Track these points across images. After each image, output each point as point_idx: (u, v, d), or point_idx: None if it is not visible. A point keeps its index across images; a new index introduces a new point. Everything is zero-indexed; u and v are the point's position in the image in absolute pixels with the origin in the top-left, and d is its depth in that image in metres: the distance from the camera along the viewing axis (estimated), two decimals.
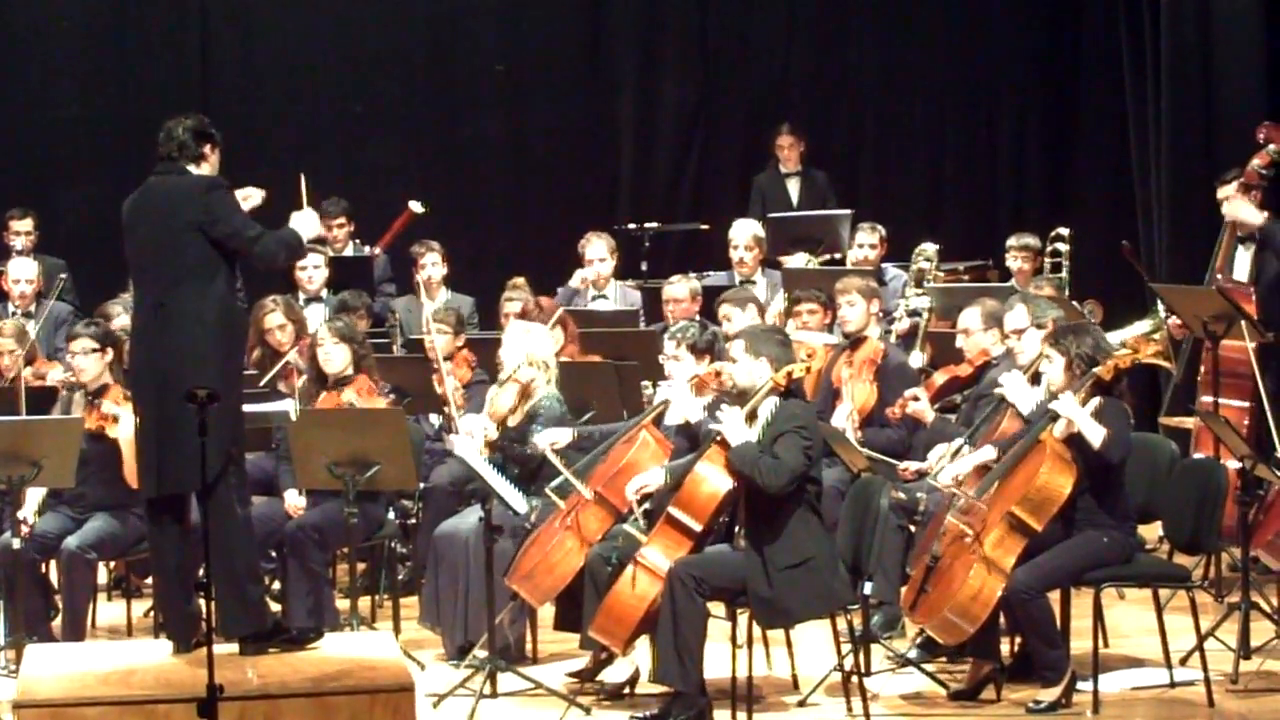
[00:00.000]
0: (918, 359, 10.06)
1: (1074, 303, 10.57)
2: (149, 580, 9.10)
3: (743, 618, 7.66)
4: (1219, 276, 10.07)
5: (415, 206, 12.39)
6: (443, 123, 14.12)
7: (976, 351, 9.13)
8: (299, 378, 9.66)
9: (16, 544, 8.58)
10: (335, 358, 9.15)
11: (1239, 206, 9.92)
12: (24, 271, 11.52)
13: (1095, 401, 7.79)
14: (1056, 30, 14.15)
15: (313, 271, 11.18)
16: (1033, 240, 11.41)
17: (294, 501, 9.13)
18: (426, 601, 8.84)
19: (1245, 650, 8.17)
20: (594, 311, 11.14)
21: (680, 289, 10.80)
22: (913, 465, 8.93)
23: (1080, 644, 8.03)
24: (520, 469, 8.61)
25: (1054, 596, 7.92)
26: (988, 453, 8.07)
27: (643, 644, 7.92)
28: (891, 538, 8.45)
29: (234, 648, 7.38)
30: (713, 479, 7.70)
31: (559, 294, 11.55)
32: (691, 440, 8.17)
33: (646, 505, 8.04)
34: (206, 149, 7.48)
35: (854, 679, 7.77)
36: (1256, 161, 10.09)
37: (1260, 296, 9.92)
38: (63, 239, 12.58)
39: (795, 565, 7.57)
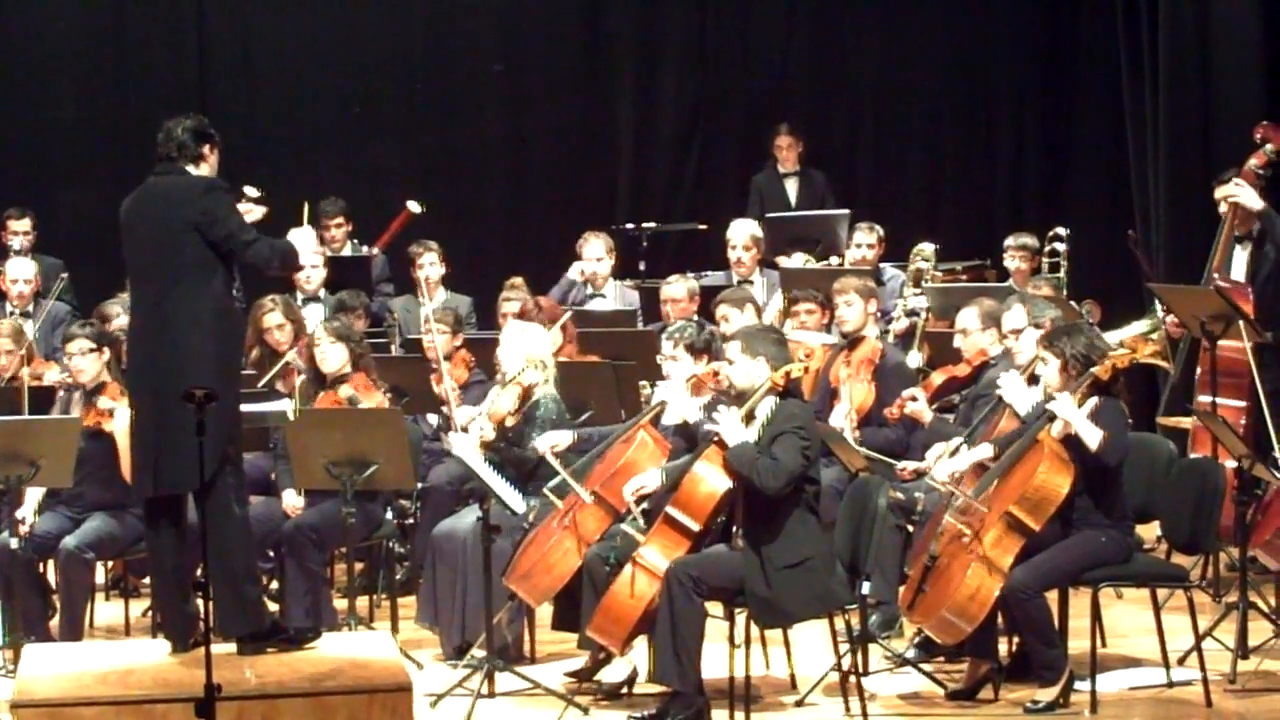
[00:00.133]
0: (915, 359, 10.06)
1: (1072, 303, 10.57)
2: (147, 580, 9.09)
3: (741, 617, 7.65)
4: (1216, 276, 10.08)
5: (413, 206, 12.40)
6: (441, 123, 14.12)
7: (974, 351, 9.13)
8: (298, 377, 9.66)
9: (14, 544, 8.58)
10: (332, 357, 9.15)
11: (1243, 190, 9.92)
12: (22, 271, 11.52)
13: (1093, 402, 7.80)
14: (1054, 31, 14.16)
15: (310, 271, 11.16)
16: (1030, 240, 11.41)
17: (292, 501, 9.13)
18: (424, 601, 8.84)
19: (1243, 650, 8.18)
20: (592, 311, 11.14)
21: (678, 289, 10.80)
22: (910, 465, 8.93)
23: (1078, 644, 8.04)
24: (516, 470, 8.61)
25: (1052, 596, 7.92)
26: (985, 450, 8.07)
27: (641, 644, 7.92)
28: (889, 537, 8.46)
29: (232, 647, 7.38)
30: (711, 479, 7.70)
31: (556, 286, 11.54)
32: (689, 441, 8.16)
33: (645, 505, 8.04)
34: (205, 149, 7.48)
35: (852, 679, 7.77)
36: (1253, 161, 10.10)
37: (1257, 295, 9.93)
38: (61, 239, 12.59)
39: (793, 565, 7.57)
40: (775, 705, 8.00)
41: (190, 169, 7.44)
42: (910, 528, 8.69)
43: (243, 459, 7.61)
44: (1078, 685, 7.78)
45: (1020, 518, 7.66)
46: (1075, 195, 13.90)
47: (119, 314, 9.90)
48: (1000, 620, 7.92)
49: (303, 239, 7.72)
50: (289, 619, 8.48)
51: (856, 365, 9.47)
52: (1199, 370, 10.02)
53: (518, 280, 11.22)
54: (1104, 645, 8.46)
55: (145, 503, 7.51)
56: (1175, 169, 12.19)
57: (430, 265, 11.52)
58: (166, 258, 7.32)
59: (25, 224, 12.15)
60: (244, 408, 7.88)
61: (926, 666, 8.24)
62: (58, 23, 13.67)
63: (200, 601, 7.22)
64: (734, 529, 7.74)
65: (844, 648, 7.86)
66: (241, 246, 7.34)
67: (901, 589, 8.17)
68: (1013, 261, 11.33)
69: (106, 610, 9.75)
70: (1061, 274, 11.45)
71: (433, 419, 10.26)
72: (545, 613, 8.65)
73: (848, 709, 7.80)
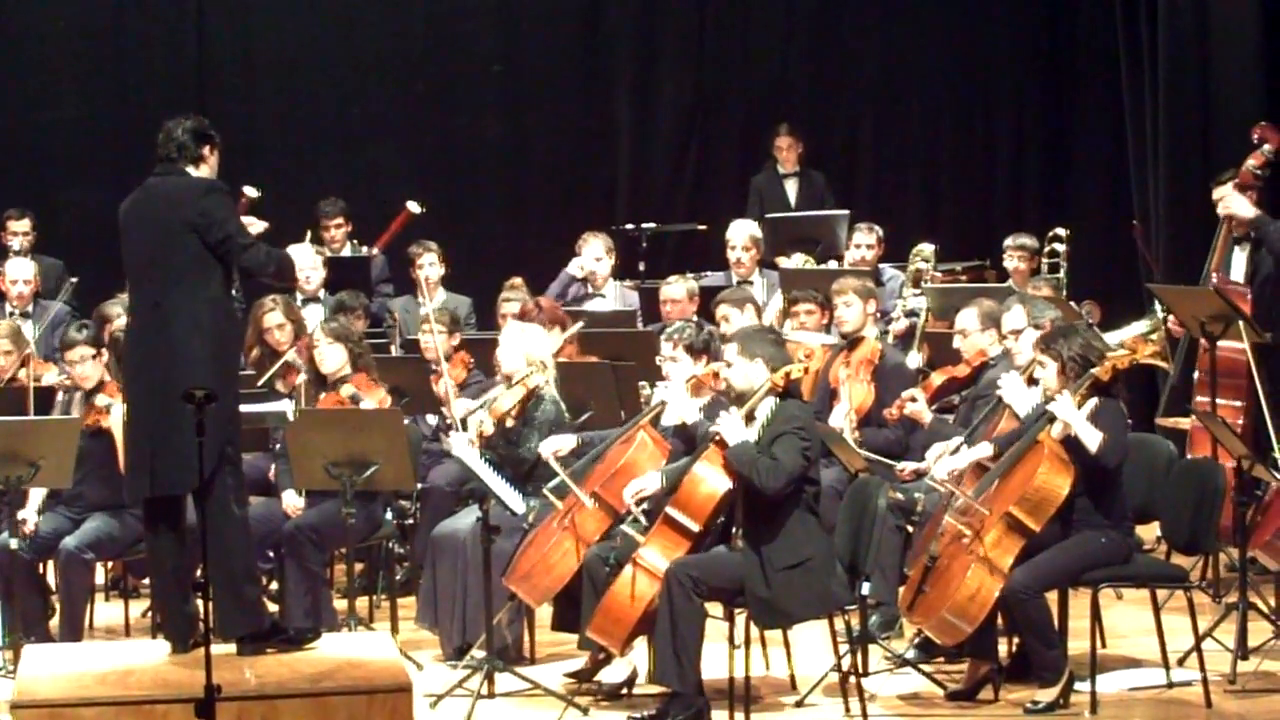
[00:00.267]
0: (915, 360, 10.05)
1: (1071, 303, 10.57)
2: (146, 580, 9.10)
3: (740, 618, 7.65)
4: (1214, 276, 10.08)
5: (413, 207, 12.41)
6: (440, 123, 14.13)
7: (974, 352, 9.13)
8: (298, 377, 9.66)
9: (14, 544, 8.59)
10: (330, 358, 9.15)
11: (1234, 199, 9.92)
12: (22, 272, 11.52)
13: (1092, 403, 7.80)
14: (1054, 31, 14.17)
15: (310, 272, 11.17)
16: (1030, 241, 11.41)
17: (292, 502, 9.13)
18: (424, 602, 8.84)
19: (1243, 651, 8.17)
20: (591, 312, 11.14)
21: (678, 289, 10.80)
22: (910, 466, 8.94)
23: (1078, 644, 8.04)
24: (513, 470, 8.61)
25: (1052, 597, 7.92)
26: (984, 449, 8.07)
27: (641, 644, 7.92)
28: (889, 538, 8.46)
29: (231, 648, 7.37)
30: (711, 479, 7.70)
31: (555, 282, 11.52)
32: (687, 442, 8.16)
33: (645, 506, 8.04)
34: (205, 150, 7.48)
35: (852, 679, 7.77)
36: (1251, 162, 10.09)
37: (1255, 296, 9.93)
38: (61, 239, 12.59)
39: (793, 566, 7.57)
40: (775, 706, 8.00)
41: (190, 170, 7.44)
42: (910, 528, 8.69)
43: (242, 459, 7.61)
44: (1078, 686, 7.78)
45: (1020, 518, 7.66)
46: (1075, 195, 13.91)
47: (119, 315, 9.89)
48: (1000, 621, 7.92)
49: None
50: (289, 619, 8.48)
51: (856, 366, 9.47)
52: (1197, 371, 10.02)
53: (517, 281, 11.22)
54: (1104, 646, 8.46)
55: (144, 504, 7.50)
56: (1175, 169, 12.19)
57: (430, 265, 11.53)
58: (165, 258, 7.31)
59: (25, 224, 12.15)
60: (244, 408, 7.89)
61: (926, 667, 8.24)
62: (58, 23, 13.67)
63: (200, 602, 7.21)
64: (734, 530, 7.74)
65: (844, 648, 7.86)
66: (238, 249, 7.33)
67: (901, 589, 8.17)
68: (1012, 262, 11.34)
69: (106, 611, 9.75)
70: (1061, 274, 11.45)
71: (432, 419, 10.26)
72: (545, 613, 8.65)
73: (848, 710, 7.80)
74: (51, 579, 9.16)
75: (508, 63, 14.15)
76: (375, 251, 12.38)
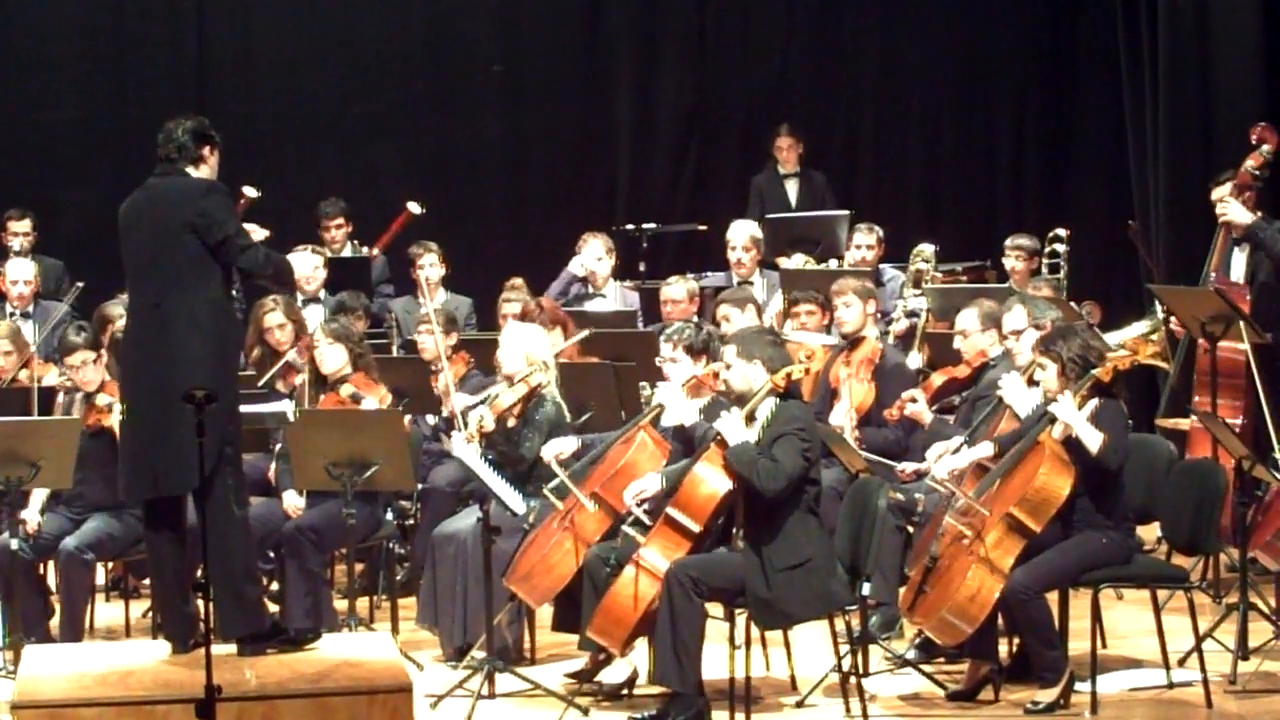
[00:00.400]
0: (915, 360, 10.05)
1: (1072, 304, 10.57)
2: (147, 581, 9.10)
3: (741, 618, 7.65)
4: (1214, 277, 10.07)
5: (413, 207, 12.41)
6: (441, 124, 14.12)
7: (974, 353, 9.12)
8: (298, 377, 9.66)
9: (14, 544, 8.59)
10: (330, 358, 9.15)
11: (1232, 207, 9.92)
12: (22, 272, 11.51)
13: (1093, 403, 7.80)
14: (1054, 31, 14.16)
15: (311, 273, 11.17)
16: (1030, 241, 11.40)
17: (293, 502, 9.13)
18: (424, 602, 8.84)
19: (1243, 651, 8.17)
20: (591, 312, 11.14)
21: (678, 290, 10.80)
22: (910, 466, 8.93)
23: (1078, 645, 8.04)
24: (513, 469, 8.61)
25: (1052, 597, 7.92)
26: (985, 449, 8.07)
27: (641, 645, 7.92)
28: (889, 538, 8.46)
29: (232, 648, 7.38)
30: (711, 480, 7.70)
31: (556, 281, 11.51)
32: (686, 443, 8.15)
33: (646, 507, 8.03)
34: (205, 151, 7.48)
35: (852, 680, 7.77)
36: (1250, 163, 10.08)
37: (1254, 297, 9.93)
38: (61, 240, 12.58)
39: (794, 566, 7.57)
40: (775, 706, 8.00)
41: (190, 170, 7.44)
42: (911, 529, 8.69)
43: (242, 460, 7.61)
44: (1078, 686, 7.78)
45: (1021, 519, 7.66)
46: (1075, 195, 13.91)
47: (121, 315, 9.89)
48: (1000, 621, 7.92)
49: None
50: (289, 620, 8.47)
51: (857, 365, 9.47)
52: (1196, 371, 10.02)
53: (518, 281, 11.22)
54: (1104, 646, 8.46)
55: (145, 504, 7.51)
56: (1175, 169, 12.19)
57: (430, 266, 11.53)
58: (165, 259, 7.31)
59: (25, 225, 12.14)
60: (244, 408, 7.89)
61: (927, 668, 8.24)
62: (58, 23, 13.67)
63: (200, 602, 7.21)
64: (734, 530, 7.74)
65: (844, 649, 7.86)
66: (237, 250, 7.33)
67: (902, 590, 8.17)
68: (1012, 262, 11.33)
69: (106, 611, 9.75)
70: (1061, 275, 11.45)
71: (432, 419, 10.26)
72: (545, 614, 8.65)
73: (848, 710, 7.80)
74: (52, 579, 9.16)
75: (508, 63, 14.15)
76: (376, 252, 12.38)
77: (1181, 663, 8.13)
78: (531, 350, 8.85)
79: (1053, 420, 7.77)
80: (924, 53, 14.23)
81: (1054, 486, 7.66)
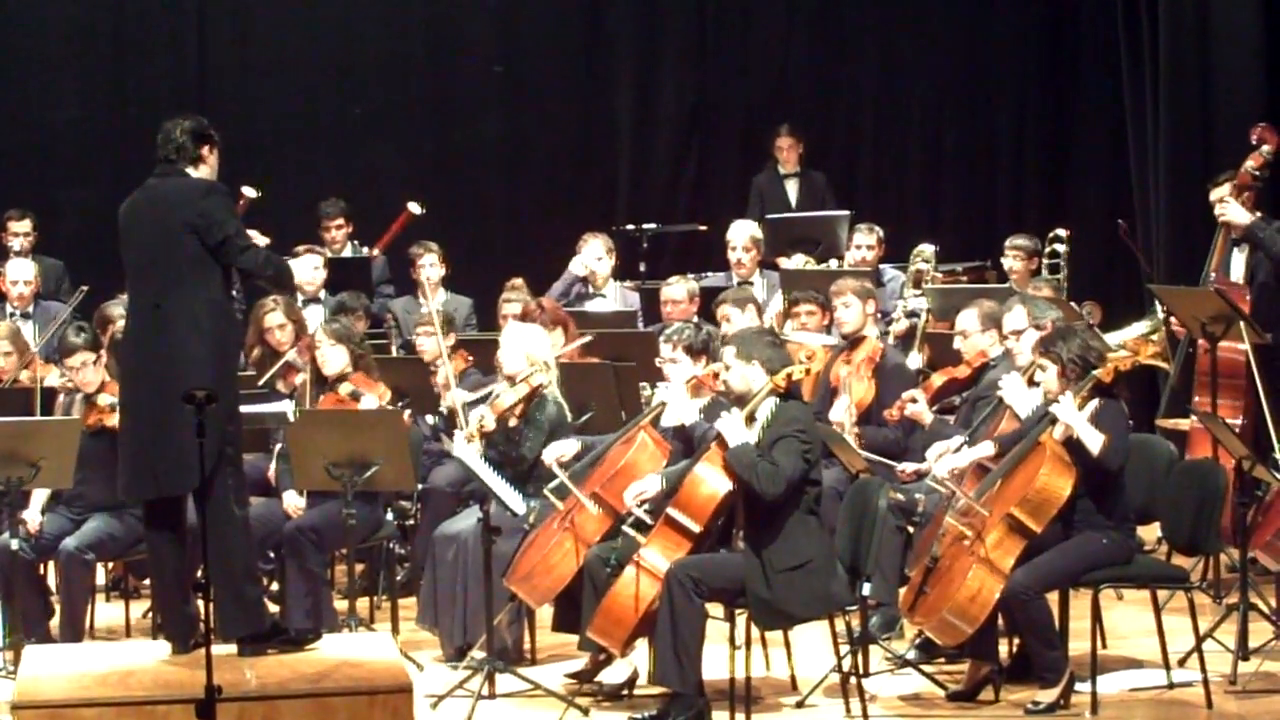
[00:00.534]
0: (916, 360, 10.05)
1: (1072, 304, 10.57)
2: (147, 581, 9.09)
3: (741, 619, 7.65)
4: (1214, 277, 10.07)
5: (414, 208, 12.41)
6: (441, 124, 14.12)
7: (974, 353, 9.12)
8: (298, 377, 9.66)
9: (15, 545, 8.59)
10: (331, 359, 9.16)
11: (1232, 208, 9.93)
12: (22, 273, 11.51)
13: (1094, 404, 7.79)
14: (1055, 32, 14.16)
15: (311, 274, 11.17)
16: (1030, 241, 11.40)
17: (293, 502, 9.13)
18: (424, 602, 8.84)
19: (1244, 651, 8.17)
20: (592, 312, 11.14)
21: (678, 290, 10.80)
22: (911, 466, 8.93)
23: (1079, 645, 8.04)
24: (513, 469, 8.61)
25: (1052, 598, 7.92)
26: (987, 448, 8.07)
27: (641, 645, 7.92)
28: (890, 539, 8.45)
29: (232, 649, 7.38)
30: (711, 480, 7.70)
31: (559, 281, 11.51)
32: (687, 443, 8.16)
33: (646, 508, 8.03)
34: (205, 151, 7.48)
35: (852, 680, 7.77)
36: (1250, 163, 10.09)
37: (1254, 297, 9.93)
38: (61, 240, 12.58)
39: (794, 567, 7.56)
40: (776, 706, 8.00)
41: (190, 171, 7.44)
42: (911, 529, 8.69)
43: (243, 460, 7.61)
44: (1078, 687, 7.78)
45: (1022, 520, 7.66)
46: (1075, 195, 13.91)
47: (121, 316, 9.88)
48: (1001, 622, 7.92)
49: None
50: (289, 620, 8.48)
51: (857, 364, 9.47)
52: (1196, 372, 10.02)
53: (518, 281, 11.21)
54: (1104, 647, 8.46)
55: (145, 504, 7.51)
56: (1175, 169, 12.19)
57: (430, 266, 11.53)
58: (164, 259, 7.31)
59: (25, 225, 12.14)
60: (244, 408, 7.88)
61: (927, 668, 8.24)
62: (58, 23, 13.66)
63: (200, 603, 7.21)
64: (734, 531, 7.74)
65: (845, 649, 7.86)
66: (236, 251, 7.33)
67: (902, 590, 8.17)
68: (1012, 262, 11.33)
69: (107, 611, 9.74)
70: (1061, 275, 11.45)
71: (432, 419, 10.26)
72: (546, 614, 8.65)
73: (848, 710, 7.80)
74: (52, 579, 9.16)
75: (508, 63, 14.14)
76: (376, 252, 12.38)
77: (1182, 663, 8.13)
78: (532, 350, 8.84)
79: (1053, 421, 7.77)
80: (924, 53, 14.23)
81: (1055, 487, 7.66)
